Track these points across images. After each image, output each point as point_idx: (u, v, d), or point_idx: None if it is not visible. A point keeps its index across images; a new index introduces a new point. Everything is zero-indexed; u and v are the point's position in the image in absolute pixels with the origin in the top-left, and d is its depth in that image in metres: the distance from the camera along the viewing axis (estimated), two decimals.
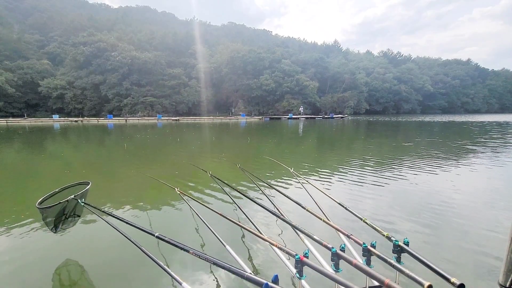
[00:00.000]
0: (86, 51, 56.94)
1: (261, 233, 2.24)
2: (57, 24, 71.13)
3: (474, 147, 10.70)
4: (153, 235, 2.09)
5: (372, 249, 1.73)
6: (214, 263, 1.67)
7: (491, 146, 10.88)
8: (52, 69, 58.16)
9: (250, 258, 2.82)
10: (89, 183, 3.11)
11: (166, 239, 2.02)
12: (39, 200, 2.63)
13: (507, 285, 0.89)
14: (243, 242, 3.19)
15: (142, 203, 4.59)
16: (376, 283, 1.47)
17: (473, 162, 7.93)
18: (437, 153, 9.55)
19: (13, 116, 50.00)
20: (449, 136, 16.48)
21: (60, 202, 2.64)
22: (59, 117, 47.85)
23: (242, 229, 2.37)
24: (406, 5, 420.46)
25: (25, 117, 47.88)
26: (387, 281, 1.26)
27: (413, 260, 1.58)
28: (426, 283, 1.23)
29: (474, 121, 32.87)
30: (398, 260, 1.68)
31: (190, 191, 5.08)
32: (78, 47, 58.37)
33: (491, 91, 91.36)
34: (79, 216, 3.14)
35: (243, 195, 3.44)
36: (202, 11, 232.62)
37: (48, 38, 67.81)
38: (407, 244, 1.70)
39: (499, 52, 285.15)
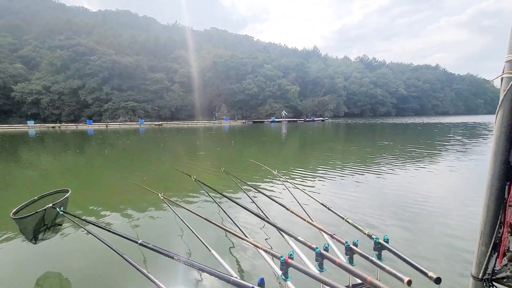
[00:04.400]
0: (63, 55, 55.38)
1: (246, 236, 2.23)
2: (32, 27, 68.46)
3: (446, 148, 11.33)
4: (136, 243, 2.04)
5: (354, 247, 1.78)
6: (200, 269, 1.65)
7: (461, 146, 11.60)
8: (26, 73, 55.77)
9: (236, 262, 2.81)
10: (68, 190, 2.98)
11: (149, 246, 1.98)
12: (13, 210, 2.52)
13: (480, 276, 0.94)
14: (229, 246, 3.17)
15: (124, 210, 4.48)
16: (359, 281, 1.47)
17: (446, 161, 8.38)
18: (412, 153, 10.17)
19: None
20: (413, 137, 17.89)
21: (36, 212, 2.53)
22: (34, 123, 46.05)
23: (227, 233, 2.35)
24: (381, 13, 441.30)
25: None
26: (369, 278, 1.30)
27: (393, 256, 1.64)
28: (406, 278, 1.28)
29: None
30: (379, 257, 1.74)
31: (174, 196, 4.92)
32: (54, 50, 56.64)
33: (458, 94, 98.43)
34: (60, 225, 3.02)
35: (228, 198, 3.37)
36: (184, 16, 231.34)
37: (22, 41, 64.94)
38: (387, 241, 1.76)
39: (465, 58, 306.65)
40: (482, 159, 8.64)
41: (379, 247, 1.76)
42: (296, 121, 53.85)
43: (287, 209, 2.80)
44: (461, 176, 6.66)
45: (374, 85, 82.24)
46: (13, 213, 2.49)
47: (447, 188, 5.61)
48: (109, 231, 2.33)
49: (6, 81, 51.97)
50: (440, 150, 10.73)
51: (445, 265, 2.75)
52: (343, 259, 1.83)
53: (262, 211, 3.04)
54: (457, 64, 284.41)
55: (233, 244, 3.20)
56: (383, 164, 7.97)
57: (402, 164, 8.01)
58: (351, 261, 1.79)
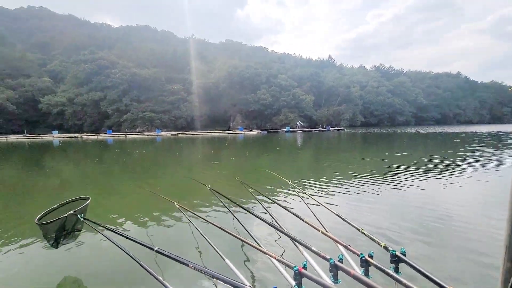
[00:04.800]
0: (86, 69, 58.51)
1: (260, 246, 2.24)
2: (59, 43, 73.28)
3: (468, 159, 10.84)
4: (153, 249, 2.09)
5: (369, 259, 1.75)
6: (214, 277, 1.66)
7: (485, 157, 11.07)
8: (53, 86, 59.37)
9: (249, 271, 2.81)
10: (88, 198, 3.09)
11: (165, 253, 2.02)
12: (38, 216, 2.65)
13: None
14: (242, 255, 3.17)
15: (141, 218, 4.58)
16: None
17: (467, 172, 8.00)
18: (433, 163, 9.77)
19: (13, 132, 50.49)
20: (435, 147, 17.20)
21: (59, 218, 2.66)
22: (58, 133, 48.42)
23: (241, 242, 2.36)
24: (397, 21, 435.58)
25: (25, 134, 48.36)
26: None
27: (411, 269, 1.60)
28: None
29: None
30: (396, 270, 1.70)
31: (190, 205, 4.96)
32: (79, 64, 60.04)
33: (482, 102, 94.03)
34: (79, 231, 3.15)
35: (242, 208, 3.42)
36: (200, 30, 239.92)
37: (50, 57, 69.54)
38: (404, 254, 1.73)
39: (488, 65, 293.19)
40: (509, 170, 8.08)
41: (396, 260, 1.71)
42: (311, 130, 53.31)
43: (301, 219, 2.83)
44: (486, 188, 6.21)
45: (391, 94, 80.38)
46: (37, 219, 2.60)
47: (471, 201, 5.30)
48: (126, 237, 2.37)
49: (34, 94, 55.55)
50: (462, 161, 10.18)
51: (467, 281, 2.61)
52: (358, 271, 1.78)
53: (276, 221, 3.05)
54: (480, 72, 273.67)
55: (246, 253, 3.19)
56: (401, 176, 7.64)
57: (421, 175, 7.63)
58: (366, 273, 1.75)
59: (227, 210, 3.66)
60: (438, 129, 45.51)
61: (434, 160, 10.54)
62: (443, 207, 4.82)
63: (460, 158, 11.12)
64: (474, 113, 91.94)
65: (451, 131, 38.57)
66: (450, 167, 8.91)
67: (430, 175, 7.69)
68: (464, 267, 2.85)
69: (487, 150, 13.32)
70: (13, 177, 9.50)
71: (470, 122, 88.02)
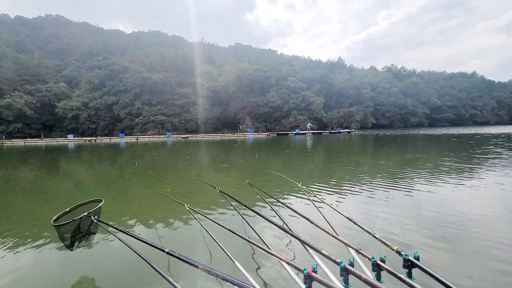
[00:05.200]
0: (100, 74, 60.22)
1: (269, 248, 2.24)
2: (74, 50, 75.77)
3: (485, 161, 10.43)
4: (163, 251, 2.12)
5: (381, 263, 1.71)
6: (223, 279, 1.67)
7: (503, 160, 10.65)
8: (68, 92, 61.46)
9: (259, 274, 2.81)
10: (101, 200, 3.14)
11: (176, 254, 2.04)
12: (54, 218, 2.69)
13: None
14: (252, 257, 3.15)
15: (152, 220, 4.62)
16: None
17: (485, 176, 7.65)
18: (447, 166, 9.47)
19: (31, 136, 52.40)
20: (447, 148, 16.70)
21: (74, 220, 2.71)
22: (73, 137, 49.89)
23: (251, 244, 2.34)
24: (409, 21, 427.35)
25: (42, 137, 50.07)
26: None
27: (425, 275, 1.57)
28: None
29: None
30: (409, 275, 1.67)
31: (200, 207, 4.97)
32: (93, 70, 61.93)
33: (500, 102, 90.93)
34: (94, 233, 3.18)
35: (252, 210, 3.41)
36: (210, 34, 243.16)
37: (66, 63, 72.01)
38: (417, 258, 1.69)
39: (504, 64, 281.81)
40: None
41: (409, 265, 1.68)
42: (321, 133, 52.83)
43: (311, 222, 2.81)
44: (505, 193, 5.84)
45: (403, 95, 78.89)
46: (53, 220, 2.64)
47: (489, 205, 5.05)
48: (138, 239, 2.41)
49: (51, 98, 57.60)
50: (479, 164, 9.75)
51: (484, 286, 2.51)
52: (369, 275, 1.75)
53: (285, 224, 3.04)
54: (497, 71, 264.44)
55: (256, 255, 3.17)
56: (414, 179, 7.38)
57: (435, 179, 7.33)
58: (378, 278, 1.71)
59: (237, 212, 3.68)
60: (452, 131, 44.19)
61: (448, 163, 10.21)
62: (459, 211, 4.63)
63: (476, 160, 10.73)
64: (492, 114, 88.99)
65: (466, 132, 37.41)
66: (466, 170, 8.57)
67: (445, 178, 7.41)
68: (482, 274, 2.74)
69: (505, 153, 12.81)
70: (30, 179, 9.76)
71: (487, 123, 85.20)
